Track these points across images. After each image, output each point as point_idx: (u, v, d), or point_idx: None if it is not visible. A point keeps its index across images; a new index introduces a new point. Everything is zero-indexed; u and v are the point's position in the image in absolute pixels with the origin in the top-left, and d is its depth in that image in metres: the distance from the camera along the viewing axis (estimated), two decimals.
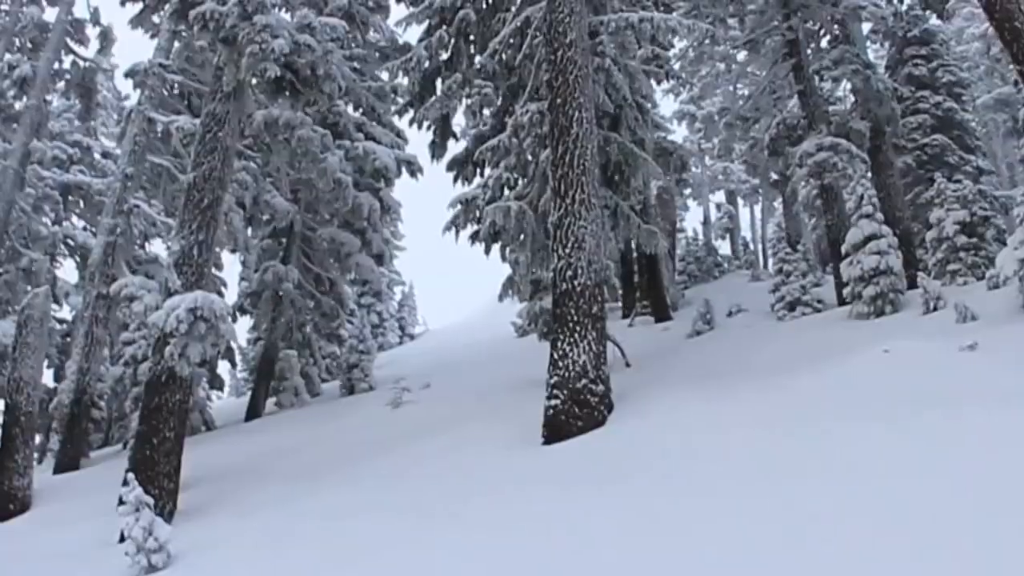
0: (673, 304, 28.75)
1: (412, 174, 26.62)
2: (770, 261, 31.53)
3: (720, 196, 53.37)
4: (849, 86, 24.61)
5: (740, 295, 26.96)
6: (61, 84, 27.58)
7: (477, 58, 19.51)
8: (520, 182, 17.58)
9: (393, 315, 53.62)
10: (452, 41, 19.49)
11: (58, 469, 22.65)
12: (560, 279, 14.71)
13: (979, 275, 19.34)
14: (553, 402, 14.06)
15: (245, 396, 32.93)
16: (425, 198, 33.17)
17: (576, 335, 14.36)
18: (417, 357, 34.97)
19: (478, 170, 19.04)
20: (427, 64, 19.63)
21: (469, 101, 18.67)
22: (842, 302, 21.05)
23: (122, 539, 14.08)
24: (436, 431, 16.45)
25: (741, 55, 27.67)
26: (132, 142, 23.46)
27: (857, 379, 12.13)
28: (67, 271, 31.38)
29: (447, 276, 77.32)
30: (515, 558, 8.56)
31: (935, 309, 16.66)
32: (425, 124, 19.43)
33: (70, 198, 30.50)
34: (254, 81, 16.64)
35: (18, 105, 26.66)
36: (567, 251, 14.72)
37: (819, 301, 21.86)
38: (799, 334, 18.13)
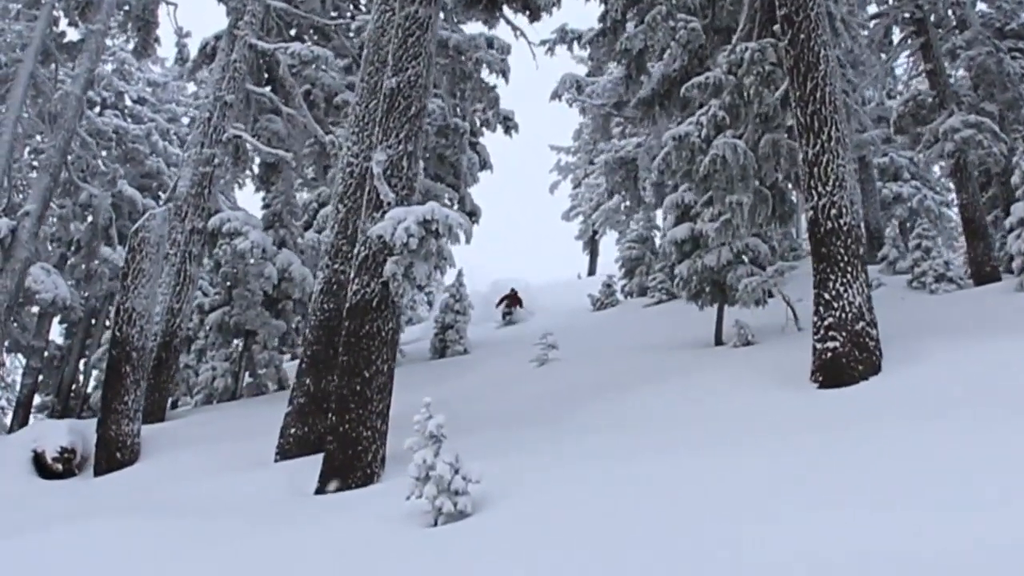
0: None
1: (507, 131, 25.13)
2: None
3: None
4: (964, 70, 24.13)
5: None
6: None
7: None
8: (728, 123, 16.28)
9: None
10: None
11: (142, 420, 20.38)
12: (824, 217, 13.63)
13: None
14: (831, 344, 12.94)
15: None
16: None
17: (848, 276, 13.30)
18: (499, 330, 33.05)
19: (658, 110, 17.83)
20: None
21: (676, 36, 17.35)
22: (980, 280, 20.64)
23: (362, 482, 12.57)
24: (642, 381, 15.18)
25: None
26: (229, 68, 21.44)
27: None
28: None
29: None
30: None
31: None
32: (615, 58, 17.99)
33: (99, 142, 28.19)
34: None
35: (72, 34, 24.41)
36: (828, 189, 13.68)
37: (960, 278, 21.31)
38: (1012, 302, 17.32)
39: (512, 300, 35.19)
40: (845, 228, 13.49)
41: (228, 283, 24.92)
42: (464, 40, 21.12)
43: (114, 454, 16.65)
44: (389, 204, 13.62)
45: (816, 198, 13.76)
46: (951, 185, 37.97)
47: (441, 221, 13.07)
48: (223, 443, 16.57)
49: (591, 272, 55.75)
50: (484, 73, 21.21)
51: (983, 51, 22.27)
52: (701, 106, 16.53)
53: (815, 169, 13.83)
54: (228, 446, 16.23)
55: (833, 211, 13.56)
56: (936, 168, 26.59)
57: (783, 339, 17.77)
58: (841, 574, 5.57)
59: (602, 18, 19.50)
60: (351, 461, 12.67)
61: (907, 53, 23.73)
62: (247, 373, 25.27)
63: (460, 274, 25.57)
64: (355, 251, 14.00)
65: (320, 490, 12.65)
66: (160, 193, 33.64)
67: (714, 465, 9.48)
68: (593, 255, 57.68)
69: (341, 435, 12.80)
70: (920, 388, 11.51)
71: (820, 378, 12.92)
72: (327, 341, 15.69)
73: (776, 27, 15.63)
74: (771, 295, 18.19)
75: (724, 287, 18.87)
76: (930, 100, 22.38)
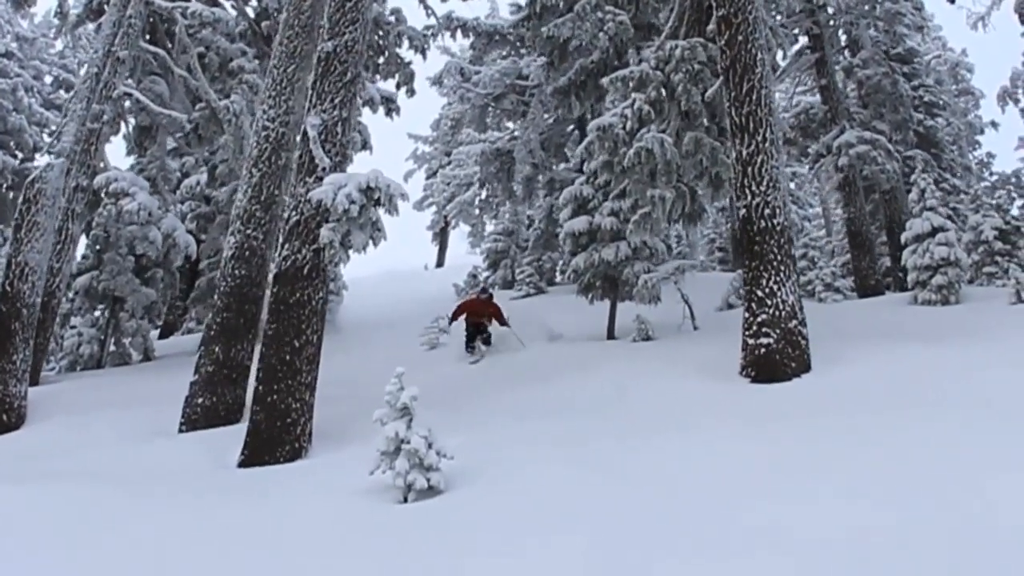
0: None
1: (388, 113, 24.65)
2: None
3: None
4: (854, 88, 25.18)
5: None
6: None
7: None
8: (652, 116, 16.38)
9: None
10: None
11: None
12: (757, 216, 13.87)
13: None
14: (764, 340, 13.19)
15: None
16: None
17: (781, 275, 13.58)
18: (362, 308, 31.96)
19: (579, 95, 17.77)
20: None
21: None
22: (864, 293, 21.51)
23: (290, 456, 11.98)
24: (558, 369, 15.14)
25: None
26: (123, 24, 20.19)
27: None
28: None
29: None
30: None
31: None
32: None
33: None
34: None
35: None
36: (763, 189, 13.93)
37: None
38: (911, 313, 18.06)
39: (477, 311, 19.66)
40: (778, 228, 13.76)
41: (98, 247, 23.48)
42: (383, 13, 20.61)
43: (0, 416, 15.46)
44: (324, 169, 13.09)
45: (749, 197, 13.97)
46: (812, 201, 40.00)
47: (383, 189, 12.69)
48: (115, 410, 15.59)
49: (439, 264, 55.61)
50: (404, 48, 20.74)
51: (879, 71, 23.27)
52: (625, 99, 16.57)
53: (749, 169, 14.04)
54: (122, 414, 15.28)
55: (767, 211, 13.80)
56: (816, 182, 27.56)
57: (683, 337, 18.04)
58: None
59: (530, 3, 19.29)
60: (280, 434, 12.12)
61: (799, 68, 24.49)
62: (112, 341, 23.88)
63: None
64: (285, 216, 13.43)
65: (245, 463, 12.03)
66: (18, 152, 31.63)
67: (679, 448, 9.52)
68: (443, 247, 57.58)
69: (269, 406, 12.21)
70: (855, 386, 11.82)
71: (752, 373, 13.13)
72: (238, 309, 15.00)
73: (709, 28, 15.85)
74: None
75: (618, 282, 19.06)
76: (821, 115, 23.21)
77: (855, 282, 22.74)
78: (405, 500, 8.78)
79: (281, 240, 13.22)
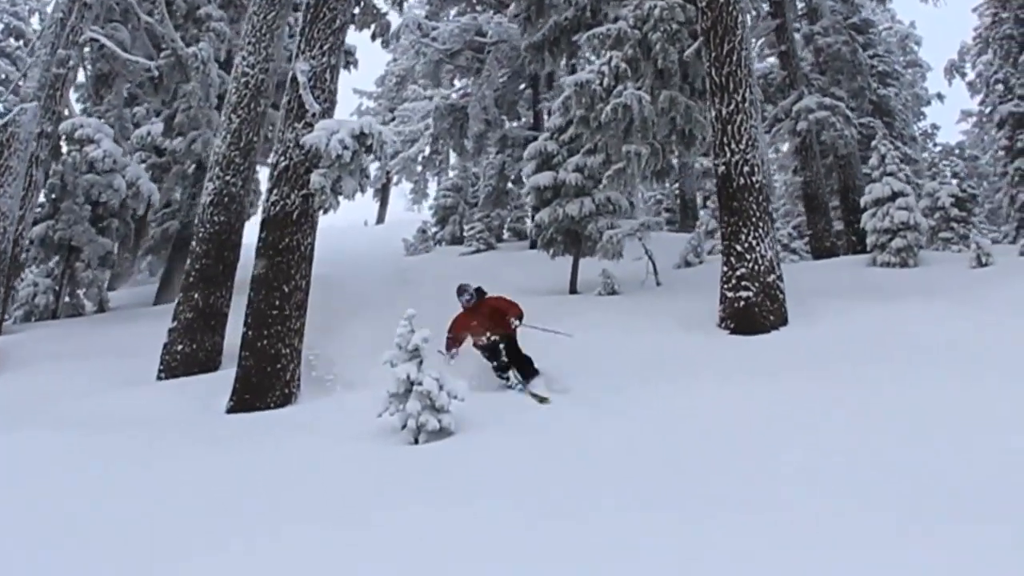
0: None
1: (347, 66, 24.49)
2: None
3: None
4: (812, 55, 25.59)
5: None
6: None
7: None
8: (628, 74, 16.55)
9: None
10: None
11: None
12: (736, 173, 14.17)
13: (969, 246, 20.70)
14: (743, 293, 13.54)
15: None
16: None
17: (760, 230, 13.91)
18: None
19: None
20: None
21: None
22: (818, 254, 22.09)
23: (280, 402, 11.99)
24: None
25: None
26: None
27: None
28: None
29: None
30: None
31: (984, 264, 17.67)
32: None
33: None
34: None
35: None
36: (742, 147, 14.23)
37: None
38: (872, 274, 18.52)
39: (478, 324, 12.10)
40: (757, 185, 14.08)
41: (54, 195, 22.97)
42: None
43: None
44: (314, 115, 13.05)
45: (729, 154, 14.26)
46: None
47: (375, 136, 12.75)
48: (86, 360, 15.40)
49: (380, 220, 55.39)
50: None
51: (839, 40, 23.71)
52: (599, 56, 16.72)
53: (729, 127, 14.32)
54: (95, 363, 15.10)
55: (746, 168, 14.10)
56: (783, 147, 28.03)
57: (647, 292, 18.31)
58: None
59: None
60: (270, 380, 12.15)
61: (758, 33, 24.81)
62: (67, 292, 23.46)
63: None
64: (272, 161, 13.32)
65: (234, 409, 12.02)
66: None
67: (678, 394, 9.80)
68: (383, 203, 57.31)
69: (259, 352, 12.22)
70: (835, 337, 12.24)
71: (731, 325, 13.48)
72: (216, 255, 14.93)
73: None
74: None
75: (581, 237, 19.31)
76: (779, 80, 23.60)
77: (810, 244, 23.28)
78: (416, 441, 8.90)
79: (269, 186, 13.16)
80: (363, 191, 13.20)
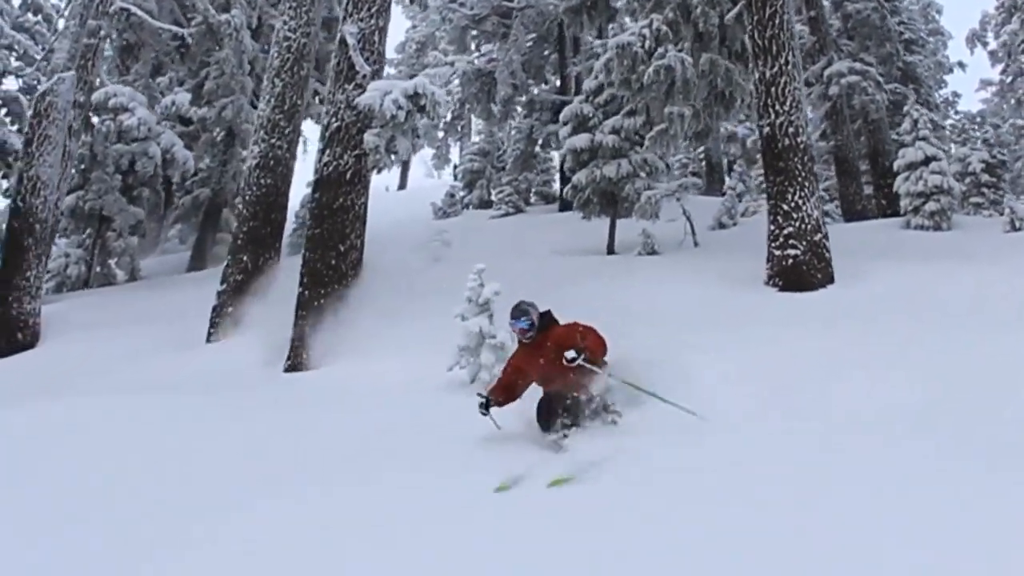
0: None
1: None
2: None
3: None
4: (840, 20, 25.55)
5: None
6: None
7: None
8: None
9: None
10: None
11: None
12: (782, 134, 14.20)
13: (1000, 211, 20.75)
14: (791, 252, 13.63)
15: None
16: None
17: (806, 190, 13.97)
18: None
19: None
20: None
21: None
22: (849, 217, 22.20)
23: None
24: (577, 279, 15.21)
25: None
26: None
27: None
28: None
29: None
30: None
31: (1018, 229, 17.74)
32: None
33: None
34: None
35: None
36: (786, 108, 14.25)
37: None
38: (908, 236, 18.60)
39: (550, 367, 7.36)
40: (802, 146, 14.13)
41: (83, 166, 23.07)
42: None
43: (15, 334, 15.54)
44: (365, 76, 13.14)
45: (773, 116, 14.29)
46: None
47: (429, 96, 12.81)
48: (132, 326, 15.58)
49: (401, 186, 55.38)
50: None
51: (868, 6, 23.69)
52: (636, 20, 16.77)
53: (772, 89, 14.34)
54: (142, 328, 15.27)
55: (791, 129, 14.14)
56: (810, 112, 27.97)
57: (686, 252, 18.38)
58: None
59: None
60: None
61: None
62: (98, 262, 23.62)
63: None
64: (324, 123, 13.45)
65: (291, 368, 12.18)
66: None
67: (741, 343, 9.85)
68: (405, 169, 57.27)
69: (316, 311, 12.33)
70: (883, 295, 12.33)
71: (780, 283, 13.57)
72: (264, 218, 15.10)
73: None
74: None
75: (617, 198, 19.39)
76: (809, 45, 23.58)
77: (841, 207, 23.35)
78: None
79: (321, 146, 13.28)
80: (415, 151, 13.30)
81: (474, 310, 9.48)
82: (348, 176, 12.84)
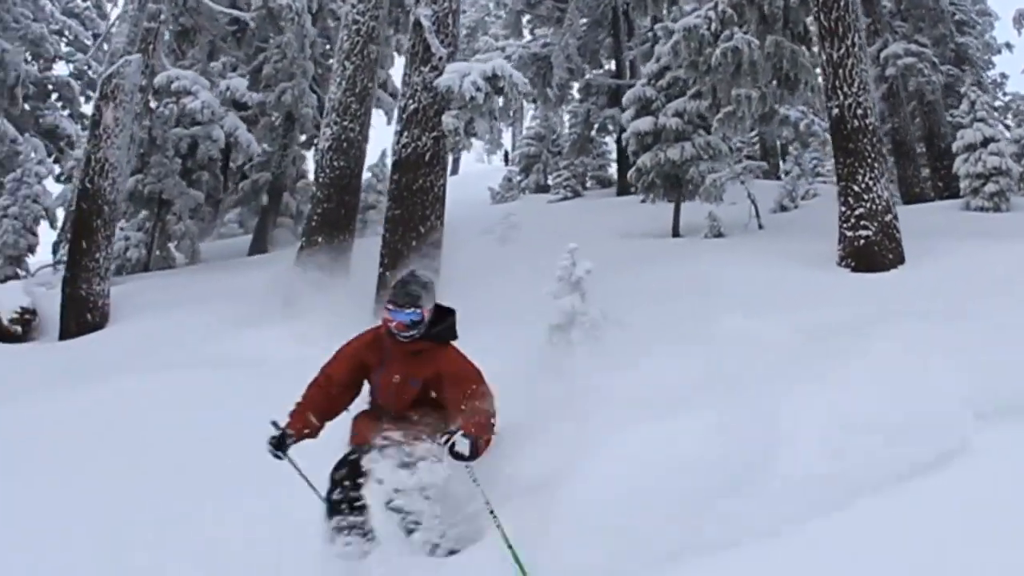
0: None
1: None
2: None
3: None
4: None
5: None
6: None
7: None
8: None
9: None
10: None
11: None
12: (850, 116, 14.31)
13: None
14: (863, 232, 13.77)
15: None
16: None
17: (875, 171, 14.10)
18: None
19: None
20: None
21: None
22: (908, 200, 22.21)
23: None
24: (649, 261, 15.40)
25: None
26: None
27: None
28: None
29: None
30: None
31: None
32: None
33: None
34: None
35: None
36: (854, 90, 14.35)
37: None
38: (969, 218, 18.65)
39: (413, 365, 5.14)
40: (871, 128, 14.27)
41: (142, 150, 23.41)
42: None
43: (84, 315, 15.78)
44: (440, 59, 13.37)
45: (841, 98, 14.40)
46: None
47: (507, 78, 13.06)
48: (200, 304, 15.69)
49: (454, 172, 55.75)
50: None
51: None
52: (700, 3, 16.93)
53: (840, 71, 14.44)
54: (213, 307, 15.36)
55: (859, 111, 14.26)
56: None
57: (752, 234, 18.51)
58: None
59: None
60: None
61: None
62: (156, 245, 24.02)
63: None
64: (401, 104, 13.71)
65: None
66: (35, 61, 31.21)
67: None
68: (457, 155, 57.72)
69: None
70: (956, 274, 12.37)
71: (852, 263, 13.75)
72: (338, 199, 15.34)
73: None
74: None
75: (682, 181, 19.54)
76: (864, 27, 23.53)
77: (900, 190, 23.35)
78: None
79: (398, 128, 13.54)
80: (493, 133, 13.53)
81: (566, 289, 9.67)
82: (427, 158, 13.11)
